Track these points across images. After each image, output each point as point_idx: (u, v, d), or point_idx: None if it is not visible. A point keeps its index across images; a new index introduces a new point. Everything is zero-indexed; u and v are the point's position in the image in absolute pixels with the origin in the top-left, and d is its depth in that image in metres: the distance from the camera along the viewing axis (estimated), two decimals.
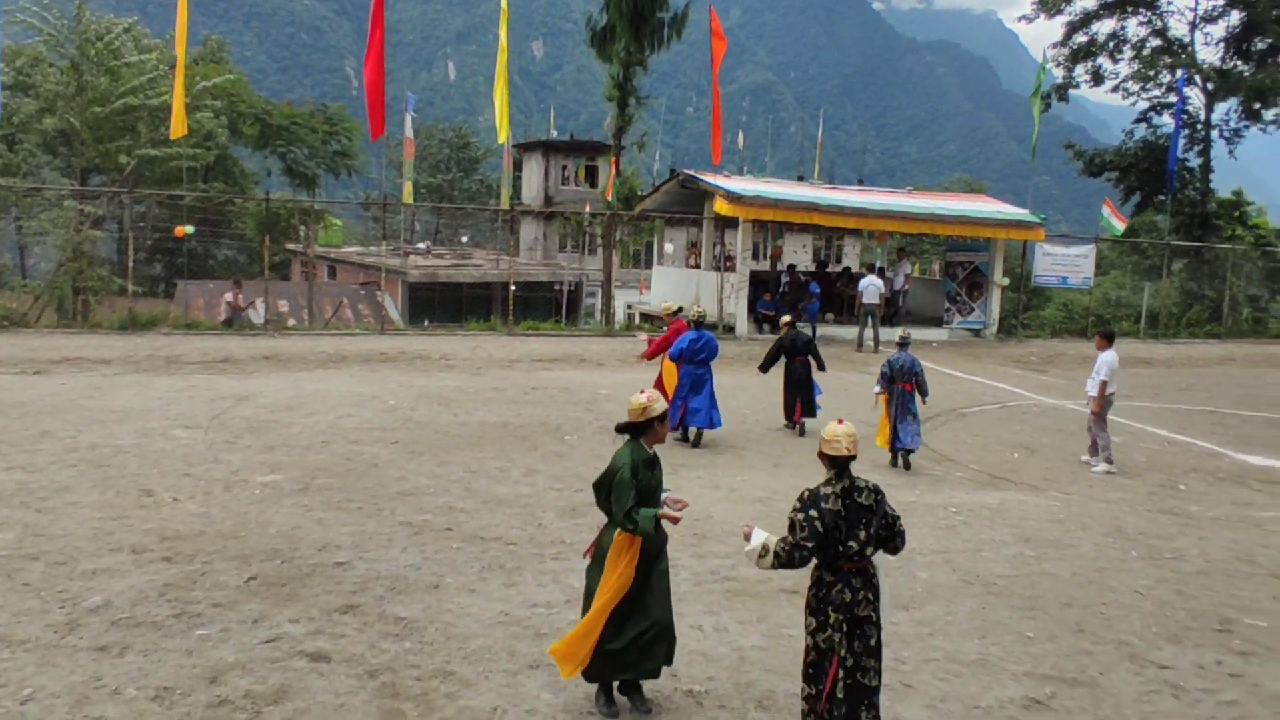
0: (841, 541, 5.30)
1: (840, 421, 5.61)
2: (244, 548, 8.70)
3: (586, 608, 5.95)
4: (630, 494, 5.73)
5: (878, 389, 13.37)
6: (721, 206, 25.86)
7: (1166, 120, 37.47)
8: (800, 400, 15.00)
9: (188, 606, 7.35)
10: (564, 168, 52.53)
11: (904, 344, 13.74)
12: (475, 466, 11.91)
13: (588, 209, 40.14)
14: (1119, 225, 32.97)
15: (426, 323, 32.54)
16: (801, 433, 14.91)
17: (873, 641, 5.38)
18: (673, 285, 31.28)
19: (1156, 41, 38.42)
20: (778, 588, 8.24)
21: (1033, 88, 33.47)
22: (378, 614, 7.39)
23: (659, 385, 13.92)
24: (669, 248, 37.81)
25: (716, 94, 28.06)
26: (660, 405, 5.96)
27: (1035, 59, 36.45)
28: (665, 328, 14.81)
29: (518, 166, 53.50)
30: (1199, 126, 38.32)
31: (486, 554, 8.82)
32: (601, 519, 6.11)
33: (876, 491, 5.48)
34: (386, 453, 12.43)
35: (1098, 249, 32.30)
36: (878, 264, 34.35)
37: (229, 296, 25.84)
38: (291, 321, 29.09)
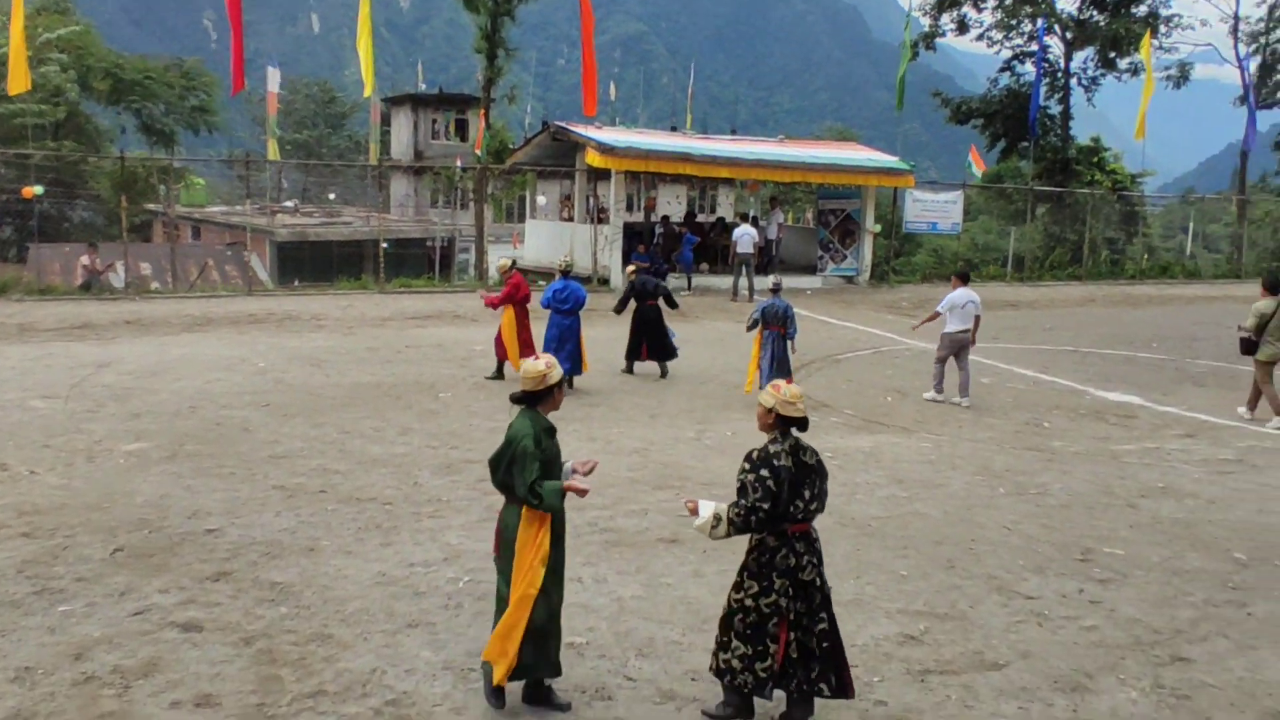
0: (790, 502, 5.22)
1: (789, 381, 5.54)
2: (109, 519, 8.39)
3: (502, 609, 5.46)
4: (535, 465, 5.31)
5: (747, 323, 14.15)
6: (594, 158, 25.72)
7: (1029, 69, 38.53)
8: (647, 344, 15.34)
9: (49, 583, 7.05)
10: (434, 122, 51.60)
11: (776, 290, 14.16)
12: (349, 427, 11.68)
13: (459, 163, 39.49)
14: (978, 171, 33.90)
15: (296, 283, 31.70)
16: (663, 374, 15.27)
17: (816, 602, 5.30)
18: (546, 239, 31.09)
19: None
20: (655, 538, 8.29)
21: (899, 37, 33.98)
22: (252, 580, 7.21)
23: (499, 339, 14.48)
24: (542, 201, 37.49)
25: (587, 45, 27.78)
26: (558, 371, 5.61)
27: (903, 7, 36.97)
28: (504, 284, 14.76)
29: (386, 121, 52.35)
30: (1059, 75, 39.51)
31: (363, 515, 8.67)
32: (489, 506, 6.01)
33: (818, 453, 5.44)
34: (258, 416, 12.10)
35: (966, 195, 33.10)
36: (751, 213, 34.63)
37: (84, 260, 24.77)
38: (154, 285, 28.06)
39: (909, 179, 29.90)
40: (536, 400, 5.59)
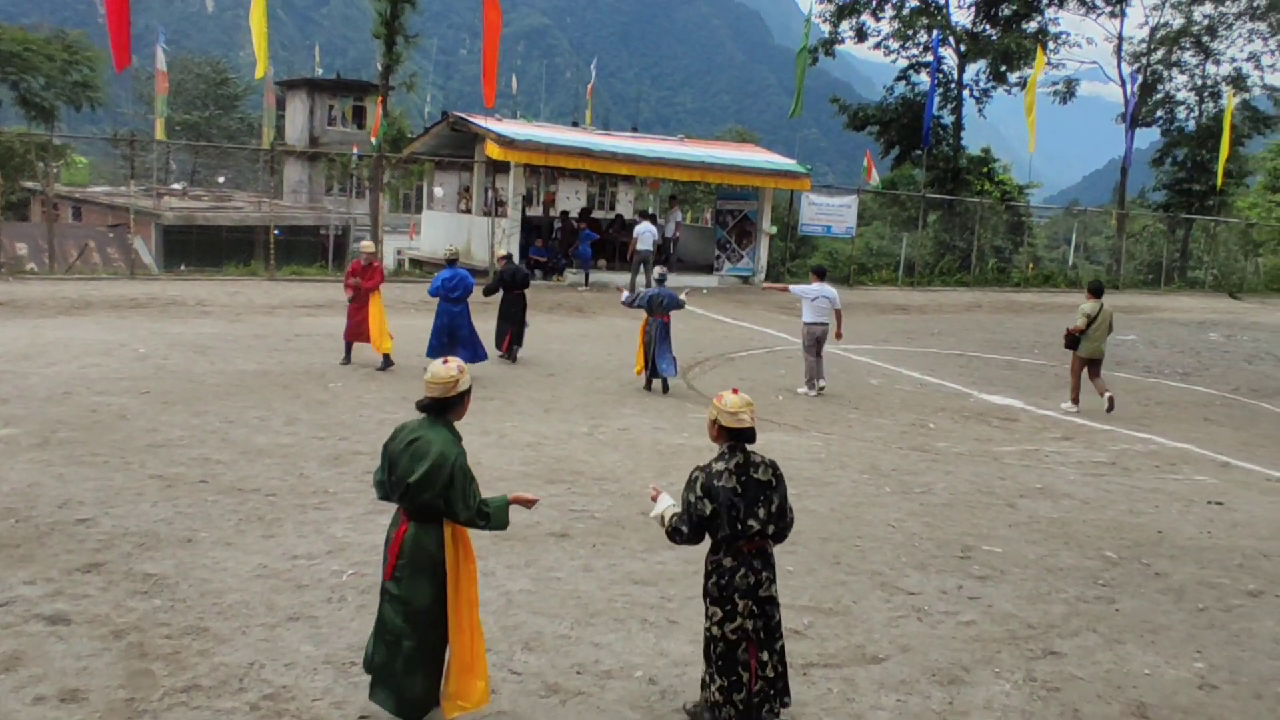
0: (740, 520, 5.04)
1: (735, 391, 5.30)
2: None
3: (408, 639, 5.02)
4: (475, 485, 4.99)
5: (626, 296, 15.29)
6: (493, 150, 25.52)
7: (924, 79, 39.35)
8: (511, 332, 15.86)
9: None
10: (330, 107, 50.63)
11: (661, 281, 14.81)
12: (233, 416, 11.38)
13: (355, 151, 38.82)
14: (869, 180, 34.66)
15: (182, 267, 30.84)
16: (513, 359, 15.81)
17: (774, 620, 5.21)
18: (443, 230, 30.73)
19: (915, 2, 40.17)
20: (545, 532, 8.24)
21: (800, 43, 34.40)
22: (124, 572, 6.96)
23: (362, 324, 14.66)
24: (439, 192, 37.06)
25: (490, 36, 27.51)
26: (468, 377, 5.16)
27: (804, 13, 37.43)
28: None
29: (281, 105, 51.15)
30: (952, 86, 40.44)
31: (244, 506, 8.45)
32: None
33: (774, 466, 5.27)
34: (136, 403, 11.72)
35: (860, 200, 33.66)
36: (650, 211, 34.75)
37: None
38: (31, 265, 27.01)
39: (806, 182, 30.31)
40: (447, 408, 5.13)
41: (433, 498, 4.92)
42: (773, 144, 44.79)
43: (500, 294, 15.96)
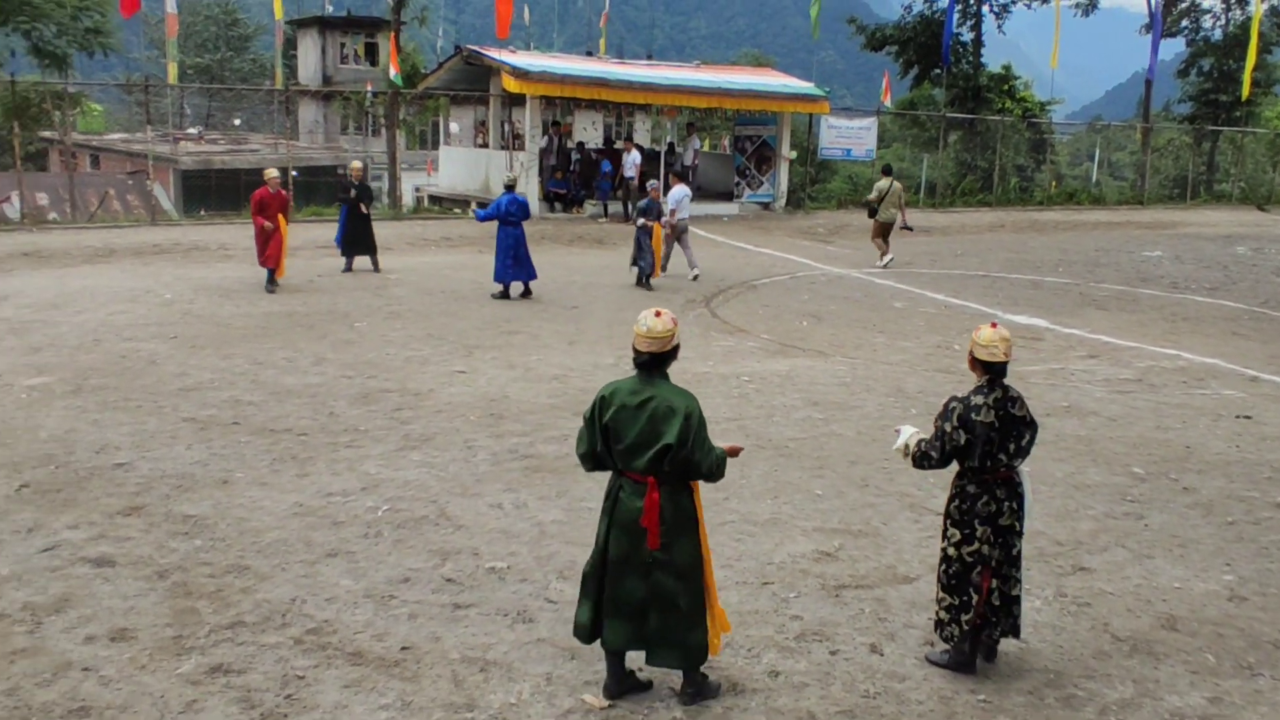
0: (993, 455, 5.12)
1: (994, 325, 5.25)
2: (12, 455, 8.16)
3: (683, 597, 4.84)
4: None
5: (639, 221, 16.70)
6: (508, 83, 25.30)
7: None
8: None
9: None
10: (342, 45, 50.17)
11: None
12: (261, 358, 11.48)
13: (369, 88, 38.55)
14: (885, 101, 34.29)
15: (202, 212, 30.87)
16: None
17: (1015, 550, 5.28)
18: (461, 166, 30.63)
19: None
20: (575, 463, 8.27)
21: None
22: (164, 514, 7.09)
23: (275, 248, 15.49)
24: (455, 127, 36.86)
25: None
26: (679, 328, 4.90)
27: None
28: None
29: (292, 45, 50.79)
30: (971, 2, 39.67)
31: (277, 446, 8.56)
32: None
33: (1026, 403, 5.29)
34: (165, 348, 11.83)
35: (880, 122, 33.28)
36: (668, 139, 34.45)
37: None
38: (52, 215, 27.13)
39: (824, 105, 29.94)
40: (664, 361, 4.83)
41: (687, 455, 4.69)
42: (790, 67, 44.17)
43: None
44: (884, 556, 6.76)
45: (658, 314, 4.82)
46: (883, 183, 19.90)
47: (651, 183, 17.71)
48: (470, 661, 5.29)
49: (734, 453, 4.95)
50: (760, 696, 5.07)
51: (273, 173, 15.99)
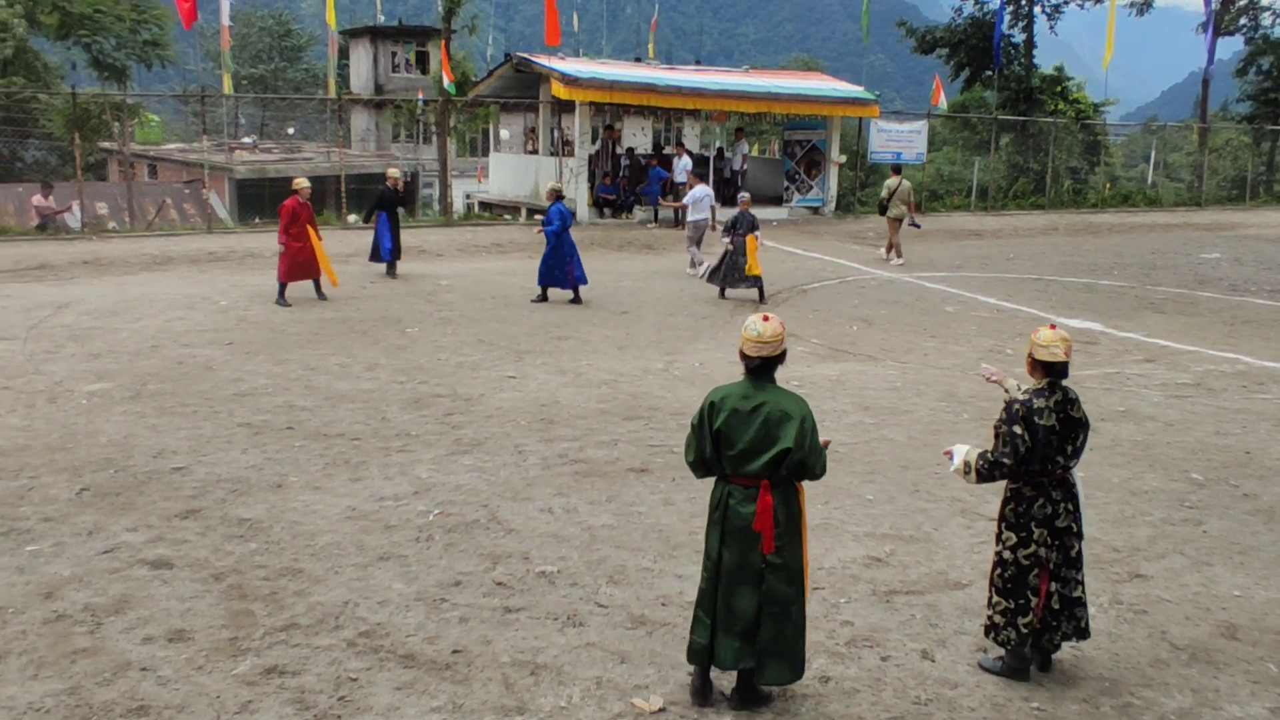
0: (1051, 458, 5.08)
1: (1052, 326, 5.23)
2: (73, 459, 8.33)
3: (794, 604, 4.84)
4: None
5: (726, 238, 15.97)
6: (558, 90, 25.42)
7: None
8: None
9: (15, 523, 7.00)
10: (394, 54, 50.66)
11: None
12: (314, 363, 11.62)
13: (420, 96, 38.87)
14: (937, 104, 33.96)
15: (256, 220, 31.26)
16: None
17: (1073, 552, 5.21)
18: (510, 172, 30.80)
19: None
20: (625, 467, 8.34)
21: None
22: (220, 517, 7.19)
23: (311, 256, 15.43)
24: (505, 134, 37.05)
25: None
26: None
27: None
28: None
29: (344, 55, 51.36)
30: (1023, 3, 39.28)
31: (330, 450, 8.65)
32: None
33: (1081, 404, 5.25)
34: (221, 354, 12.01)
35: (930, 125, 33.04)
36: (717, 145, 34.41)
37: (37, 200, 24.29)
38: (112, 224, 27.58)
39: (874, 109, 29.77)
40: (774, 365, 4.86)
41: (803, 458, 4.71)
42: (839, 71, 43.98)
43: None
44: (935, 562, 6.70)
45: (765, 319, 4.82)
46: (892, 181, 21.33)
47: (742, 195, 17.07)
48: (521, 665, 5.32)
49: (824, 445, 4.92)
50: (811, 702, 5.04)
51: (303, 182, 15.89)
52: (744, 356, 4.84)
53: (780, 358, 4.85)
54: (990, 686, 5.23)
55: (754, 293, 16.09)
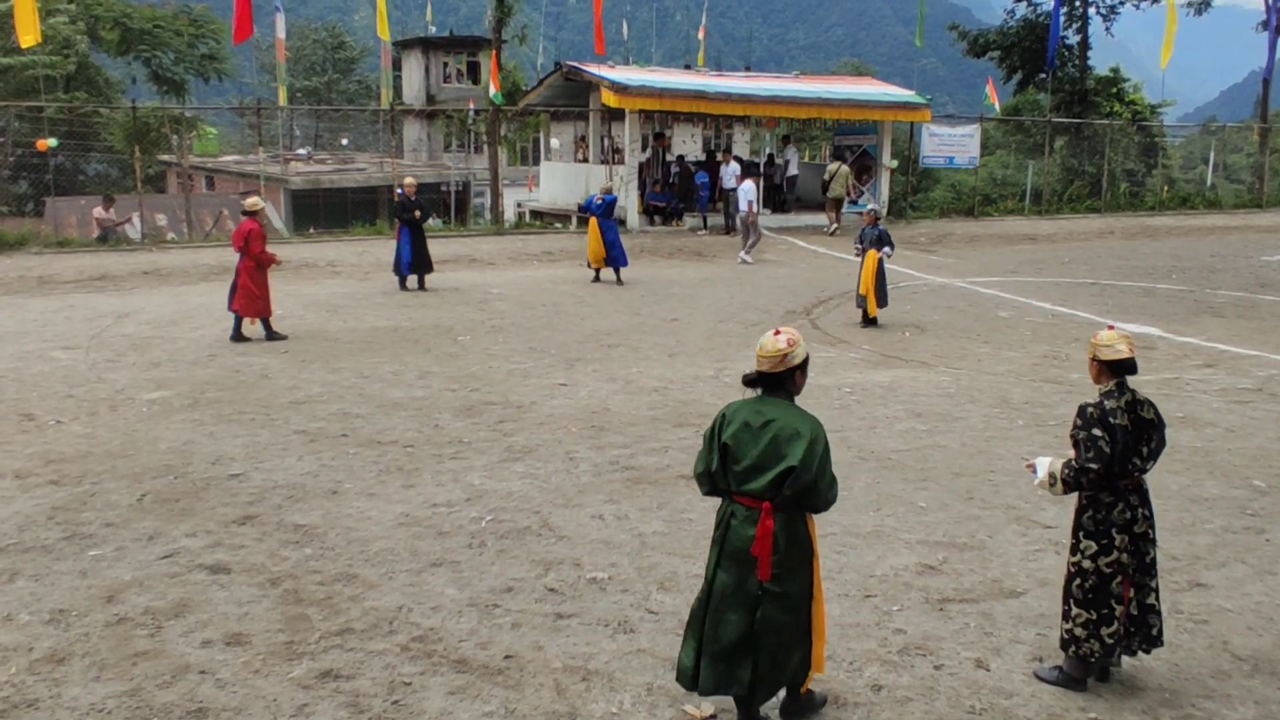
0: (1127, 459, 5.01)
1: (1111, 327, 5.22)
2: (134, 466, 8.49)
3: (788, 630, 4.64)
4: None
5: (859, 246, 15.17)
6: (608, 98, 25.48)
7: None
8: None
9: (79, 528, 7.15)
10: (445, 65, 51.15)
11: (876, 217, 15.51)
12: (368, 371, 11.75)
13: (471, 106, 39.18)
14: (993, 105, 33.60)
15: (311, 230, 31.69)
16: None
17: (1149, 558, 5.14)
18: (561, 181, 30.91)
19: None
20: (676, 474, 8.33)
21: None
22: (276, 523, 7.29)
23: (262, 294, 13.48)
24: (555, 143, 37.24)
25: None
26: (803, 350, 4.63)
27: None
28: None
29: (397, 66, 51.92)
30: (1077, 4, 38.77)
31: (384, 457, 8.74)
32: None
33: (1154, 405, 5.19)
34: (277, 362, 12.18)
35: (983, 128, 32.72)
36: (768, 151, 34.33)
37: (98, 212, 24.79)
38: (170, 235, 28.08)
39: (926, 113, 29.53)
40: (779, 383, 4.64)
41: (811, 480, 4.46)
42: (890, 76, 43.77)
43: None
44: (989, 570, 6.63)
45: (776, 332, 4.63)
46: (832, 166, 26.18)
47: (871, 207, 16.10)
48: (572, 671, 5.33)
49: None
50: (863, 710, 5.01)
51: (257, 202, 14.10)
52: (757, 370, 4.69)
53: (788, 375, 4.62)
54: (1046, 696, 5.17)
55: (802, 298, 16.05)
